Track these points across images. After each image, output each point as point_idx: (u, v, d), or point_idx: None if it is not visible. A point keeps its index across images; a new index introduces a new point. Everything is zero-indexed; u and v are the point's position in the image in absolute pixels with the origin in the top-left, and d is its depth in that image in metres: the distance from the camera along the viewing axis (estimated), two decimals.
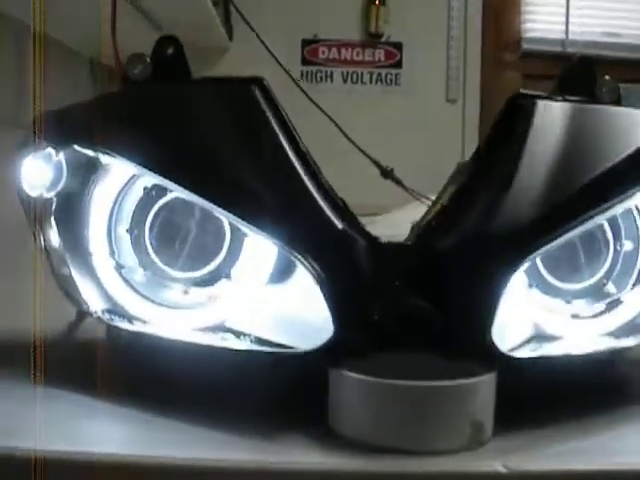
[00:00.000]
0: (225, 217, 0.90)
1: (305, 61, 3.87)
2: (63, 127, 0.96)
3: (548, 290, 0.97)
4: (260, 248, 0.94)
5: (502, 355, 0.83)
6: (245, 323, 0.93)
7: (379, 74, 3.88)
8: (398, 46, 3.95)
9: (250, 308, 0.94)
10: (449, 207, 0.89)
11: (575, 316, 0.97)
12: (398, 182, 2.20)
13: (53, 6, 1.43)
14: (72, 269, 0.95)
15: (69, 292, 0.96)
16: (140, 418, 0.86)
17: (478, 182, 0.90)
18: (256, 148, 0.86)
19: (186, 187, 0.87)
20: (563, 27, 3.89)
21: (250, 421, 0.84)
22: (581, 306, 0.98)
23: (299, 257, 0.82)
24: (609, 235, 0.98)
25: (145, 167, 0.89)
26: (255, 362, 0.88)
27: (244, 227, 0.87)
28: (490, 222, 0.84)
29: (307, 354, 0.82)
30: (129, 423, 0.86)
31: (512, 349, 0.87)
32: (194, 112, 0.91)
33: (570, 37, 3.88)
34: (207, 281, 0.97)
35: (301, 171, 0.86)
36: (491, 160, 0.91)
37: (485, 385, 0.80)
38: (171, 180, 0.88)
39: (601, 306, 0.98)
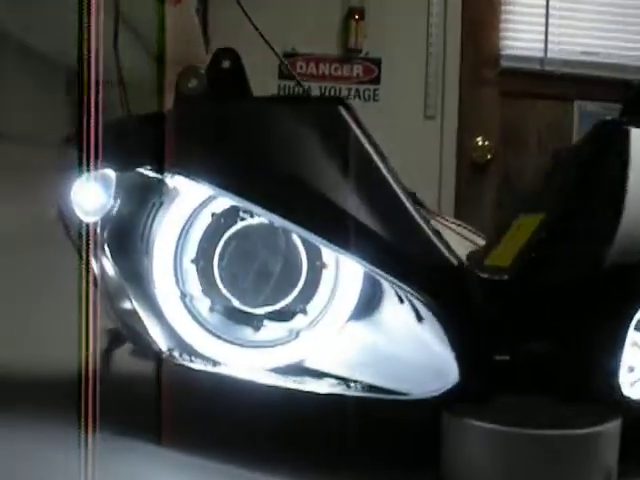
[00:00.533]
0: (329, 249, 0.81)
1: (283, 75, 3.79)
2: (124, 147, 0.87)
3: None
4: (342, 281, 0.86)
5: (626, 399, 0.76)
6: (329, 363, 0.85)
7: (357, 89, 3.82)
8: (377, 62, 3.90)
9: (332, 347, 0.86)
10: (554, 240, 0.82)
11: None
12: (421, 204, 2.13)
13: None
14: (134, 302, 0.86)
15: (132, 328, 0.87)
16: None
17: (583, 213, 0.83)
18: (355, 173, 0.79)
19: (280, 214, 0.78)
20: (542, 45, 3.87)
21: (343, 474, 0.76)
22: None
23: (418, 296, 0.74)
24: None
25: (229, 190, 0.80)
26: (346, 408, 0.80)
27: (349, 257, 0.78)
28: (610, 256, 0.77)
29: (425, 401, 0.73)
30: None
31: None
32: (278, 132, 0.83)
33: (549, 55, 3.86)
34: (281, 317, 0.88)
35: (404, 199, 0.78)
36: (593, 190, 0.84)
37: (614, 431, 0.73)
38: (260, 205, 0.79)
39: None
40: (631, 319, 0.76)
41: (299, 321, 0.87)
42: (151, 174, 0.86)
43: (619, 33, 3.82)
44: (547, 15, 3.82)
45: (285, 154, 0.81)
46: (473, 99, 3.86)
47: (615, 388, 0.74)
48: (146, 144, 0.86)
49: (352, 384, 0.80)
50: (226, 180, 0.81)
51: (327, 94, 3.71)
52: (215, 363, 0.85)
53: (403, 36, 3.88)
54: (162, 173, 0.86)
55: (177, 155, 0.82)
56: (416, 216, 0.77)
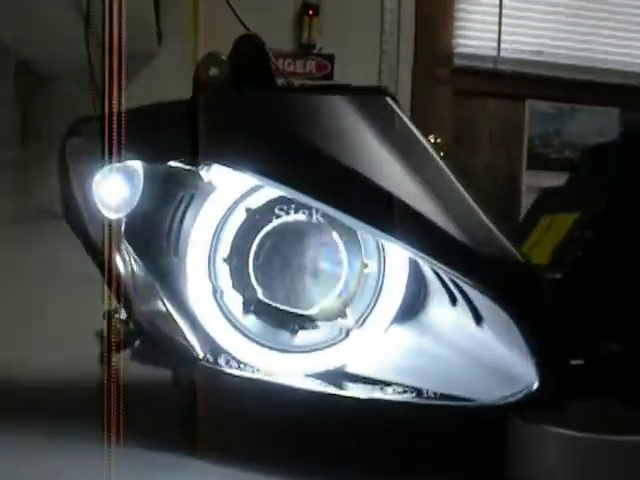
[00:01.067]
0: (388, 241, 0.76)
1: None
2: (156, 138, 0.81)
3: None
4: (385, 282, 0.82)
5: None
6: (372, 368, 0.80)
7: None
8: (330, 58, 3.86)
9: (376, 351, 0.81)
10: (602, 237, 0.79)
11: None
12: None
13: None
14: (168, 304, 0.80)
15: (166, 332, 0.81)
16: None
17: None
18: (411, 163, 0.74)
19: (334, 204, 0.73)
20: (495, 44, 3.87)
21: None
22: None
23: (488, 293, 0.70)
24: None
25: (277, 179, 0.75)
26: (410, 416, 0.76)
27: (420, 258, 0.73)
28: None
29: (494, 407, 0.69)
30: None
31: None
32: (325, 122, 0.78)
33: (502, 54, 3.86)
34: (319, 320, 0.83)
35: (463, 190, 0.74)
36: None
37: None
38: (311, 194, 0.74)
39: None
40: None
41: (340, 324, 0.82)
42: (183, 166, 0.80)
43: (571, 34, 3.84)
44: (500, 14, 3.82)
45: (334, 144, 0.76)
46: (426, 97, 3.85)
47: None
48: (180, 134, 0.80)
49: (400, 389, 0.75)
50: (275, 168, 0.75)
51: None
52: (254, 369, 0.80)
53: (357, 33, 3.85)
54: (197, 165, 0.80)
55: (218, 144, 0.77)
56: (478, 208, 0.73)
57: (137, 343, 0.86)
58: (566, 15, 3.86)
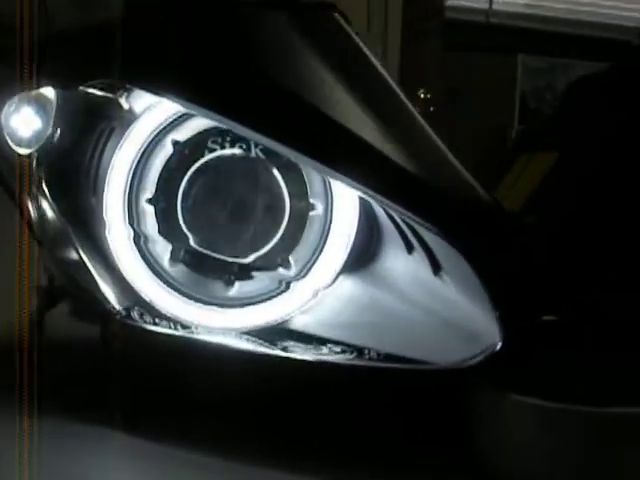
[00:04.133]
0: (333, 177, 0.65)
1: None
2: (68, 59, 0.69)
3: None
4: (333, 226, 0.71)
5: None
6: (317, 325, 0.69)
7: None
8: None
9: (321, 305, 0.70)
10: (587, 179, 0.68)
11: None
12: None
13: None
14: (82, 252, 0.69)
15: (79, 283, 0.70)
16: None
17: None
18: (362, 88, 0.63)
19: (273, 134, 0.62)
20: None
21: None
22: None
23: (452, 239, 0.59)
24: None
25: (208, 106, 0.64)
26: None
27: (369, 197, 0.62)
28: None
29: (455, 371, 0.59)
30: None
31: None
32: (266, 40, 0.66)
33: (494, 7, 3.75)
34: (258, 270, 0.72)
35: (422, 121, 0.62)
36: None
37: None
38: (247, 123, 0.63)
39: None
40: None
41: (281, 275, 0.71)
42: (100, 93, 0.69)
43: None
44: None
45: (274, 66, 0.65)
46: (416, 51, 3.73)
47: None
48: (95, 54, 0.69)
49: (337, 349, 0.65)
50: (205, 94, 0.64)
51: None
52: (181, 325, 0.69)
53: None
54: (115, 91, 0.68)
55: (138, 66, 0.66)
56: (439, 142, 0.61)
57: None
58: None
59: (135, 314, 0.70)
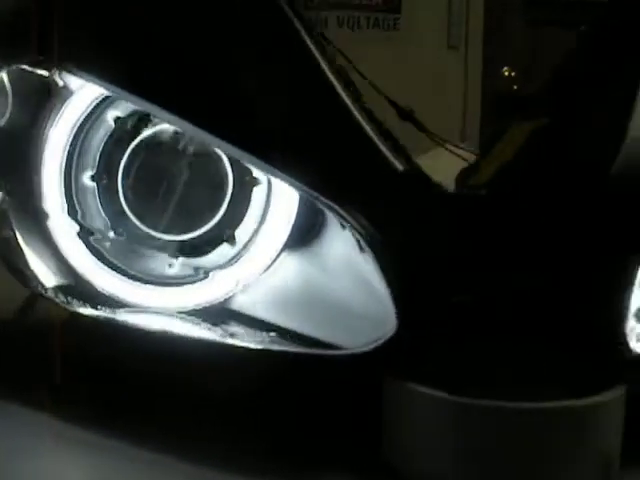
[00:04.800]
0: (237, 156, 0.62)
1: (307, 6, 3.58)
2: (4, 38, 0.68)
3: None
4: (275, 201, 0.68)
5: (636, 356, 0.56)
6: (256, 306, 0.66)
7: (376, 18, 3.61)
8: None
9: (264, 285, 0.67)
10: (543, 149, 0.63)
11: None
12: (419, 125, 1.89)
13: None
14: (17, 230, 0.68)
15: (11, 261, 0.69)
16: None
17: (582, 114, 0.64)
18: (283, 63, 0.59)
19: (181, 114, 0.59)
20: None
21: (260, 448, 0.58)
22: None
23: (342, 213, 0.55)
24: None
25: (125, 88, 0.61)
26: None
27: (258, 167, 0.59)
28: (617, 167, 0.58)
29: (357, 357, 0.55)
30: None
31: None
32: (187, 15, 0.63)
33: None
34: (202, 247, 0.69)
35: (342, 92, 0.58)
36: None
37: (615, 404, 0.54)
38: (159, 104, 0.60)
39: None
40: None
41: (224, 251, 0.69)
42: (34, 70, 0.67)
43: None
44: None
45: (194, 41, 0.62)
46: (498, 28, 3.65)
47: (620, 341, 0.54)
48: (28, 33, 0.67)
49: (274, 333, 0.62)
50: (121, 76, 0.62)
51: (345, 23, 3.52)
52: (116, 305, 0.67)
53: None
54: (50, 68, 0.67)
55: (63, 45, 0.64)
56: (354, 112, 0.57)
57: None
58: None
59: (61, 295, 0.68)
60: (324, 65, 0.61)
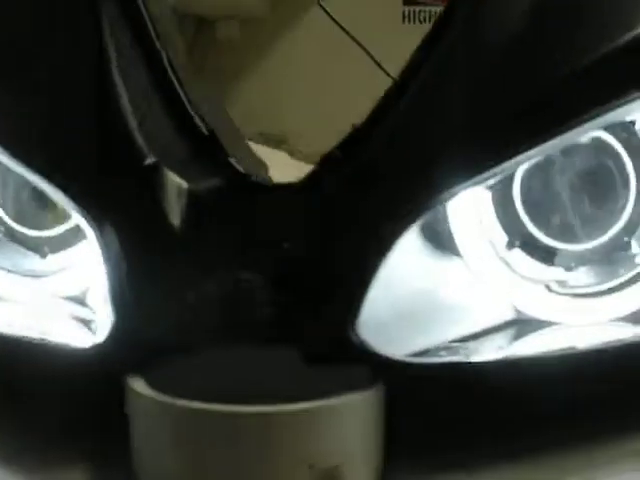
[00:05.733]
0: None
1: (407, 0, 3.46)
2: None
3: (536, 252, 0.63)
4: None
5: (379, 356, 0.51)
6: None
7: None
8: None
9: None
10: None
11: (577, 294, 0.63)
12: None
13: None
14: None
15: None
16: None
17: None
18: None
19: None
20: None
21: None
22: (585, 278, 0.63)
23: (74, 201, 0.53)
24: (629, 169, 0.62)
25: None
26: None
27: None
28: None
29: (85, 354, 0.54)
30: None
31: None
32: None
33: None
34: (67, 241, 0.70)
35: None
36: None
37: (347, 409, 0.50)
38: None
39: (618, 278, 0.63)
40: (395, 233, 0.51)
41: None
42: None
43: None
44: None
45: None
46: None
47: (354, 339, 0.49)
48: None
49: None
50: None
51: None
52: None
53: None
54: None
55: None
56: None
57: None
58: None
59: None
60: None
